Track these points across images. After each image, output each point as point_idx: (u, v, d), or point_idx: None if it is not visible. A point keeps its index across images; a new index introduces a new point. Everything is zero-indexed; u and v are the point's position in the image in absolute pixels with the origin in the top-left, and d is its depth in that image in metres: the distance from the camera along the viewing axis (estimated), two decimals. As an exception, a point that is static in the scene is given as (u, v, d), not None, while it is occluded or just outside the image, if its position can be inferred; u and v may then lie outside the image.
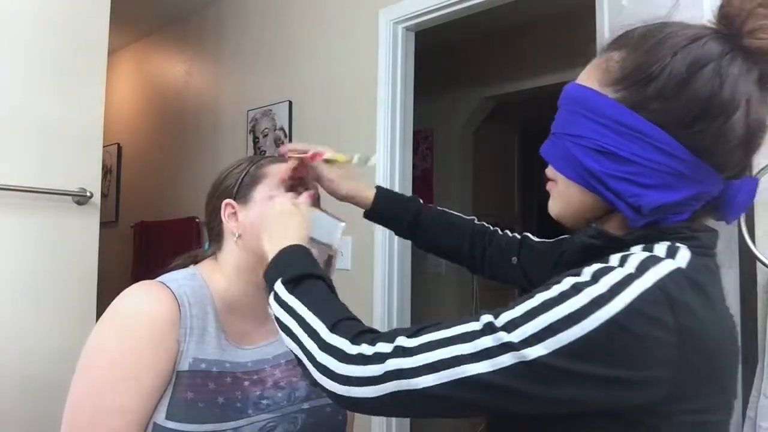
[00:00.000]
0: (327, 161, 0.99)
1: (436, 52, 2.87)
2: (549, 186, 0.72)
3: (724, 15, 0.64)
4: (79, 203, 1.79)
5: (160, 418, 0.85)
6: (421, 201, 1.07)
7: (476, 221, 1.05)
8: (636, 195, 0.63)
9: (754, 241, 0.97)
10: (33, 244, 1.70)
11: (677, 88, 0.61)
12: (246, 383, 0.93)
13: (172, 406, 0.85)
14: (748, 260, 1.00)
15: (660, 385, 0.57)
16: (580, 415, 0.59)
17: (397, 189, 2.05)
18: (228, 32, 2.93)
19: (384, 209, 1.03)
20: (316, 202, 0.99)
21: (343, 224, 0.97)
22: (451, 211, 1.06)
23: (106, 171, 3.67)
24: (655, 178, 0.62)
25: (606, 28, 1.48)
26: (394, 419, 2.01)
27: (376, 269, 2.04)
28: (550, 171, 0.72)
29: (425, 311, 3.06)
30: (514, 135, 4.31)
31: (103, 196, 3.49)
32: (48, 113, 1.74)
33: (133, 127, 3.64)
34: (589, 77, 0.68)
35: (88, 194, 1.78)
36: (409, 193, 2.11)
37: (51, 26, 1.75)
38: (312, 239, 0.93)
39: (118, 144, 3.69)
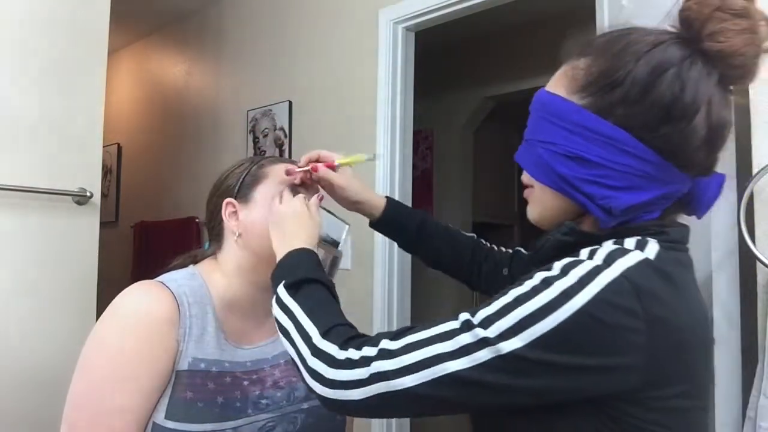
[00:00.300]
0: (339, 165, 0.98)
1: (436, 52, 2.87)
2: (526, 193, 0.76)
3: (684, 19, 0.66)
4: (79, 203, 1.79)
5: (160, 417, 0.85)
6: (428, 213, 1.08)
7: (475, 238, 1.07)
8: (606, 197, 0.65)
9: (754, 241, 0.96)
10: (33, 244, 1.70)
11: (641, 93, 0.64)
12: (245, 383, 0.93)
13: (172, 405, 0.85)
14: (748, 260, 1.00)
15: (633, 373, 0.59)
16: (558, 405, 0.61)
17: (397, 189, 2.06)
18: (228, 32, 2.93)
19: (393, 219, 1.04)
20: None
21: (347, 226, 0.98)
22: (454, 227, 1.08)
23: (106, 171, 3.67)
24: (624, 181, 0.65)
25: (606, 28, 1.48)
26: (394, 419, 2.01)
27: (376, 269, 2.04)
28: (525, 177, 0.74)
29: (425, 311, 3.06)
30: (514, 135, 4.31)
31: (103, 196, 3.49)
32: (48, 113, 1.74)
33: (133, 127, 3.64)
34: (557, 84, 0.71)
35: (88, 194, 1.78)
36: (409, 193, 2.12)
37: (51, 26, 1.75)
38: (320, 240, 0.93)
39: (118, 144, 3.69)
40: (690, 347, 0.63)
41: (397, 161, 2.08)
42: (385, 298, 2.03)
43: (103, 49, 1.87)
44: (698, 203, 0.71)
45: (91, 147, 1.83)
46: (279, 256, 0.82)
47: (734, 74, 0.65)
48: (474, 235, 1.08)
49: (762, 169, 0.95)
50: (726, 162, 1.00)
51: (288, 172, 0.97)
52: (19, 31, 1.70)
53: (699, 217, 0.73)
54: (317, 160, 0.99)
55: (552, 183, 0.69)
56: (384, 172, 2.06)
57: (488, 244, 1.07)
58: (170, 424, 0.84)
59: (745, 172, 0.99)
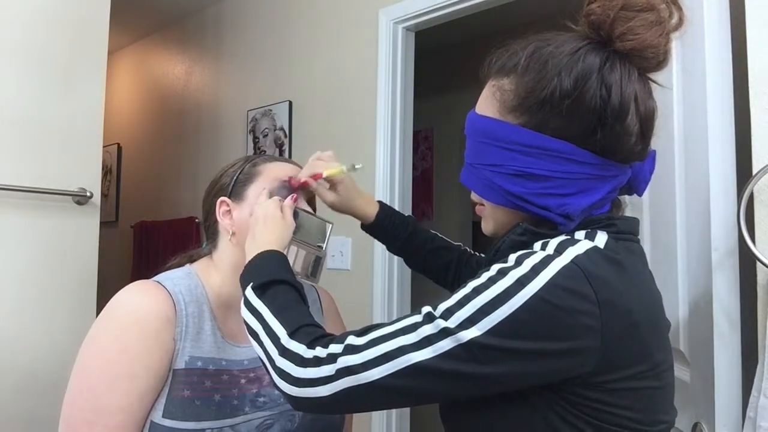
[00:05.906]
0: (326, 179, 0.98)
1: (436, 52, 2.87)
2: (478, 209, 0.78)
3: (591, 24, 0.69)
4: (79, 203, 1.79)
5: (157, 416, 0.85)
6: (417, 221, 1.10)
7: (462, 248, 1.09)
8: (562, 205, 0.68)
9: (754, 241, 0.96)
10: (33, 244, 1.70)
11: (570, 105, 0.66)
12: (242, 381, 0.93)
13: (169, 404, 0.85)
14: (748, 260, 1.00)
15: (589, 355, 0.61)
16: (517, 393, 0.63)
17: (397, 189, 2.06)
18: (228, 32, 2.93)
19: (383, 227, 1.05)
20: (306, 202, 0.99)
21: (330, 224, 0.98)
22: (442, 236, 1.10)
23: (106, 171, 3.67)
24: (575, 186, 0.68)
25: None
26: (393, 418, 2.01)
27: (376, 269, 2.04)
28: (475, 196, 0.76)
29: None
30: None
31: (103, 196, 3.49)
32: (48, 113, 1.74)
33: (133, 127, 3.64)
34: (488, 107, 0.73)
35: (88, 194, 1.78)
36: (409, 193, 2.12)
37: (51, 26, 1.75)
38: (299, 241, 0.93)
39: (118, 144, 3.69)
40: (642, 329, 0.64)
41: (397, 161, 2.07)
42: (385, 298, 2.03)
43: (103, 49, 1.87)
44: (637, 183, 0.74)
45: (91, 147, 1.83)
46: (248, 258, 0.83)
47: (650, 65, 0.68)
48: (460, 244, 1.10)
49: (762, 169, 0.94)
50: (726, 162, 0.99)
51: (291, 184, 0.97)
52: (20, 31, 1.70)
53: (640, 195, 0.76)
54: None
55: (505, 202, 0.71)
56: (384, 172, 2.06)
57: (470, 251, 1.08)
58: (168, 423, 0.84)
59: (745, 172, 0.99)
